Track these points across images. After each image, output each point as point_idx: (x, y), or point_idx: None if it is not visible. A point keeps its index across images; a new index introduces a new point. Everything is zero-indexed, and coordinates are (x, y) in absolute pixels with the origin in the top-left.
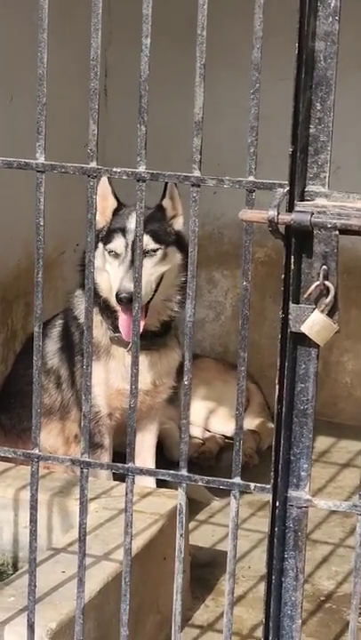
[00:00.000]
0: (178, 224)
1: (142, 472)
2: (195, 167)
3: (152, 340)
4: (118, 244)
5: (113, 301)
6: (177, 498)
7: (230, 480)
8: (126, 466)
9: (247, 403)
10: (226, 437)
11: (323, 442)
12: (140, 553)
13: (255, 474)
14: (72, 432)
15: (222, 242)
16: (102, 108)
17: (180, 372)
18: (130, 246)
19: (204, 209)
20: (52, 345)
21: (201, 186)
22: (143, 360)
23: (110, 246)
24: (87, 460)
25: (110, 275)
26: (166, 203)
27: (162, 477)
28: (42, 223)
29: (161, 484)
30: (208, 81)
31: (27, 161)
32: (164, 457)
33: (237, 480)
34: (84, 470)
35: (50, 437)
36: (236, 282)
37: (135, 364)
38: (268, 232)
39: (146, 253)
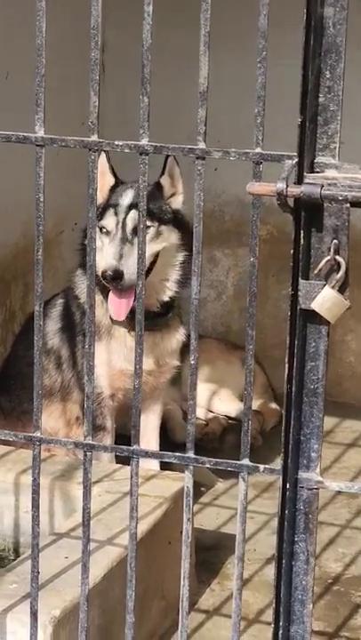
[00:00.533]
0: (176, 202)
1: (147, 454)
2: (200, 139)
3: (153, 320)
4: (109, 221)
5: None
6: (181, 480)
7: (239, 462)
8: (131, 448)
9: None
10: (229, 418)
11: (327, 422)
12: (144, 537)
13: (260, 455)
14: (73, 414)
15: (223, 220)
16: (100, 83)
17: (183, 352)
18: (121, 223)
19: (204, 186)
20: (53, 325)
21: (206, 159)
22: (145, 340)
23: (102, 223)
24: (91, 442)
25: (101, 252)
26: (165, 180)
27: (168, 460)
28: (42, 199)
29: (164, 466)
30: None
31: (26, 135)
32: (167, 439)
33: (246, 462)
34: (88, 453)
35: (50, 419)
36: (238, 261)
37: (140, 343)
38: (272, 209)
39: (137, 230)
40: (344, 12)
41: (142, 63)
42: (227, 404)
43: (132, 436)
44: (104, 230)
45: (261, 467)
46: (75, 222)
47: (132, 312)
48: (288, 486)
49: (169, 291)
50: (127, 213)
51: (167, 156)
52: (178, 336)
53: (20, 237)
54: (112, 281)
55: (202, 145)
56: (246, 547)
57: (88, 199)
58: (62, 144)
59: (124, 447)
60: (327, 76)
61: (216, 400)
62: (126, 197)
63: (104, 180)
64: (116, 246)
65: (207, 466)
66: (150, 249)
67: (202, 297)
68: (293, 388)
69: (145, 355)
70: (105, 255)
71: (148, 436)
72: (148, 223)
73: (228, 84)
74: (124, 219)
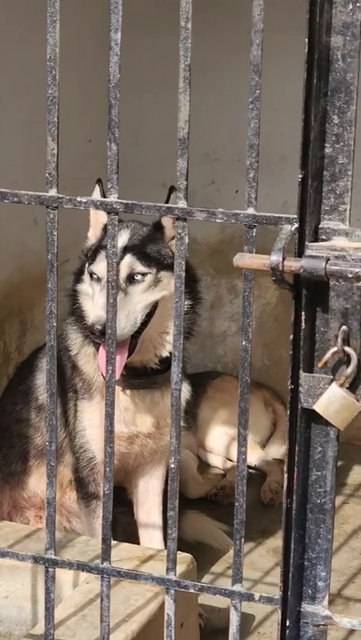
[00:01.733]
0: None
1: (120, 574)
2: (180, 196)
3: (151, 377)
4: (100, 266)
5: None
6: (185, 563)
7: (230, 588)
8: (100, 566)
9: (274, 427)
10: (250, 467)
11: (359, 472)
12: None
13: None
14: (65, 477)
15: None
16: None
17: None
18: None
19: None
20: (43, 377)
21: (188, 220)
22: (142, 400)
23: (92, 268)
24: (52, 557)
25: (90, 301)
26: (166, 220)
27: (145, 581)
28: None
29: (178, 547)
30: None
31: None
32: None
33: (238, 587)
34: (50, 570)
35: (42, 482)
36: (261, 291)
37: (109, 432)
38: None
39: (132, 279)
40: (356, 41)
41: (109, 103)
42: (248, 452)
43: (101, 551)
44: (95, 276)
45: (256, 595)
46: (81, 249)
47: (127, 368)
48: (289, 622)
49: (169, 345)
50: (121, 258)
51: (170, 190)
52: (181, 393)
53: (15, 272)
54: (101, 336)
55: (182, 203)
56: (261, 629)
57: (47, 266)
58: (15, 199)
59: (92, 565)
60: (335, 122)
61: (235, 447)
62: (120, 239)
63: (97, 217)
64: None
65: (192, 591)
66: (147, 298)
67: (222, 330)
68: (294, 504)
69: (143, 415)
70: (95, 306)
71: (150, 505)
72: (145, 270)
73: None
74: (118, 264)
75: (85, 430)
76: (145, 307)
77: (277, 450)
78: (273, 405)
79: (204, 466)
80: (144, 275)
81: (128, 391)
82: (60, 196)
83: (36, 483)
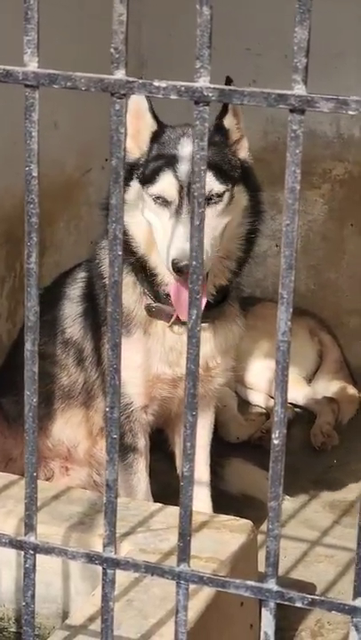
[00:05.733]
0: (243, 150)
1: (203, 580)
2: (297, 80)
3: (205, 310)
4: (167, 186)
5: (164, 269)
6: (246, 531)
7: (351, 603)
8: (177, 570)
9: (320, 360)
10: (295, 406)
11: None
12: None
13: (335, 460)
14: (97, 424)
15: None
16: None
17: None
18: (186, 190)
19: (265, 114)
20: (72, 307)
21: None
22: None
23: (155, 190)
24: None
25: (158, 230)
26: (229, 121)
27: (235, 590)
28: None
29: (221, 501)
30: None
31: (8, 69)
32: (216, 436)
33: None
34: (109, 572)
35: (67, 428)
36: (307, 205)
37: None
38: (351, 142)
39: (209, 200)
40: None
41: None
42: (293, 388)
43: (178, 550)
44: (159, 200)
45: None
46: (105, 158)
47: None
48: None
49: (228, 272)
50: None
51: (227, 81)
52: (235, 328)
53: None
54: (183, 273)
55: (300, 89)
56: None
57: (111, 175)
58: (68, 84)
59: (166, 569)
60: None
61: None
62: (186, 149)
63: (142, 124)
64: (186, 223)
65: (303, 600)
66: (222, 222)
67: (261, 250)
68: None
69: None
70: (173, 237)
71: (197, 458)
72: (223, 187)
73: None
74: (190, 182)
75: (122, 372)
76: (221, 231)
77: (325, 386)
78: (319, 335)
79: (243, 405)
80: (222, 194)
81: (176, 327)
82: (131, 79)
83: (61, 429)
